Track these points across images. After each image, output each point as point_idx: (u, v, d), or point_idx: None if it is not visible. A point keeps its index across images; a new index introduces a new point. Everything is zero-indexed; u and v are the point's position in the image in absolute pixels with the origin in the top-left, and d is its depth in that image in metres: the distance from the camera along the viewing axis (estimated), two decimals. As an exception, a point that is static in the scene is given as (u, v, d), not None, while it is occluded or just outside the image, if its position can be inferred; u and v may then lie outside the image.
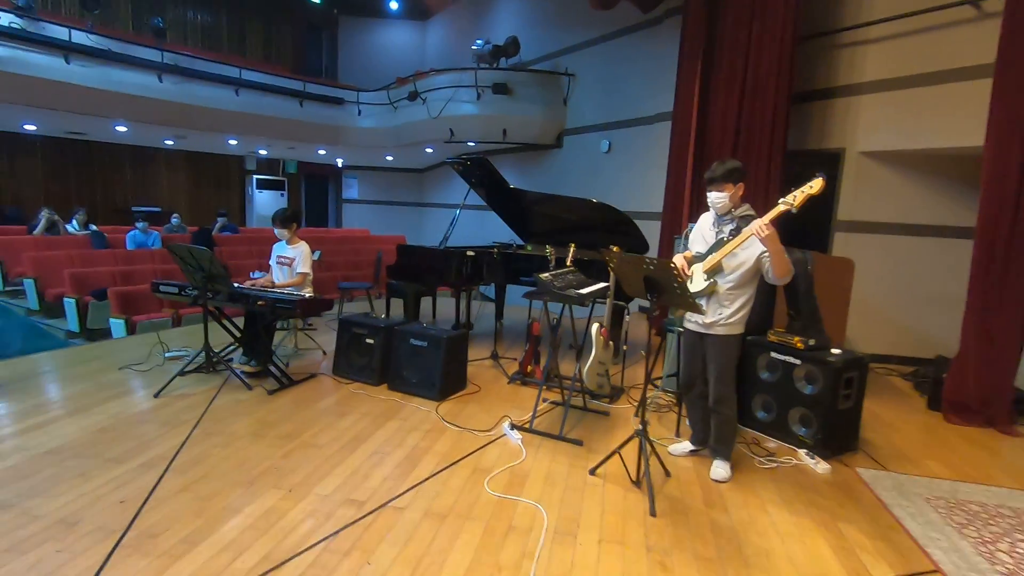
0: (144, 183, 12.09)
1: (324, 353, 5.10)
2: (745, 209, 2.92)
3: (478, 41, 10.34)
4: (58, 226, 8.55)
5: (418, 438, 3.37)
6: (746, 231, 2.68)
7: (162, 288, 4.31)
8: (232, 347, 4.40)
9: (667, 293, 2.67)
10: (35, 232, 8.32)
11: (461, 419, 3.70)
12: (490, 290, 7.39)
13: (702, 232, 3.06)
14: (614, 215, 5.18)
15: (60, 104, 8.21)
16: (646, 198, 7.49)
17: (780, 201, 2.57)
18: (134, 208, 11.56)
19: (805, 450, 3.33)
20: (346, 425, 3.51)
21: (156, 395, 3.84)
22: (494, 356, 4.95)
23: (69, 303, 6.62)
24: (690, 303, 2.60)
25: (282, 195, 14.05)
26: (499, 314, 6.73)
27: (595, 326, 4.12)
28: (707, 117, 6.13)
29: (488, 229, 9.71)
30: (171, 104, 9.11)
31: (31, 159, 10.46)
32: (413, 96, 10.19)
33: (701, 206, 6.45)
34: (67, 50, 7.89)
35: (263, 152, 13.24)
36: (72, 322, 6.67)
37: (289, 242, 4.66)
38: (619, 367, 4.61)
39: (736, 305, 2.89)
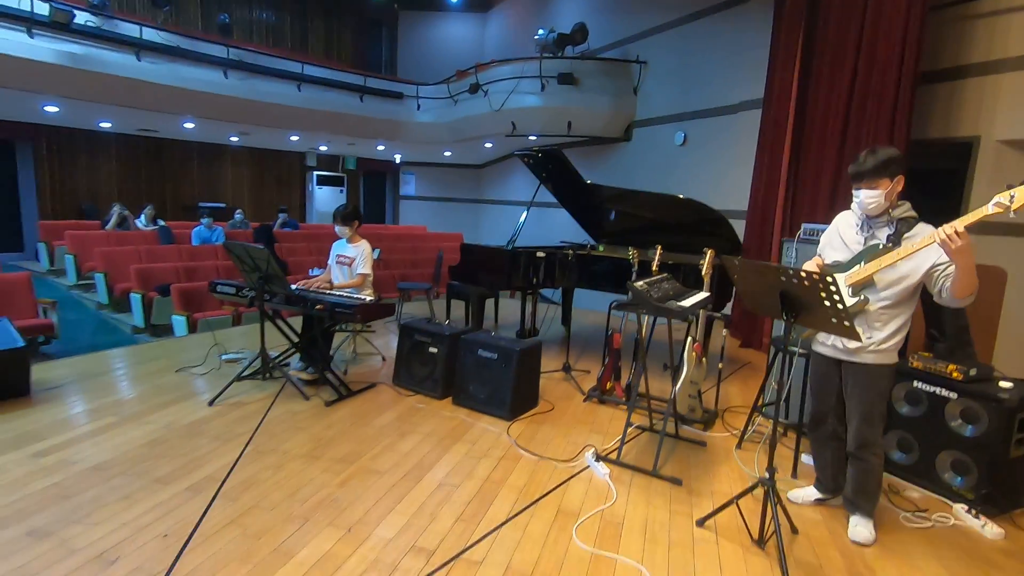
0: (210, 179, 12.33)
1: (384, 359, 4.78)
2: (905, 209, 2.33)
3: (541, 30, 9.87)
4: (128, 221, 8.72)
5: (489, 467, 2.96)
6: (925, 239, 2.09)
7: (219, 288, 4.10)
8: (289, 352, 4.13)
9: (812, 312, 2.13)
10: (107, 227, 8.50)
11: (536, 444, 3.27)
12: (555, 292, 6.95)
13: (842, 236, 2.49)
14: (705, 213, 4.61)
15: (131, 101, 8.34)
16: (727, 196, 6.83)
17: (992, 203, 1.94)
18: (200, 204, 11.79)
19: (963, 505, 2.70)
20: (409, 447, 3.14)
21: (211, 403, 3.61)
22: (566, 368, 4.49)
23: (135, 298, 6.64)
24: (846, 328, 2.05)
25: (341, 191, 14.07)
26: (566, 319, 6.26)
27: (688, 341, 3.60)
28: (806, 103, 5.44)
29: (550, 228, 9.26)
30: (236, 100, 9.13)
31: (106, 156, 10.82)
32: (474, 89, 9.84)
33: (798, 205, 5.80)
34: (138, 47, 7.98)
35: (323, 148, 13.27)
36: (137, 317, 6.69)
37: (350, 240, 4.36)
38: (710, 386, 4.06)
39: (891, 328, 2.31)
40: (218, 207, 12.14)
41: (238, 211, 10.35)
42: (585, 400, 4.04)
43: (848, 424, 2.48)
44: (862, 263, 2.37)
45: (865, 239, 2.40)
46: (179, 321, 6.04)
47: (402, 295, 6.21)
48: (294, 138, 11.66)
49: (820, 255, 2.66)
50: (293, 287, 3.99)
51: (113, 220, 8.51)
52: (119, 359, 4.66)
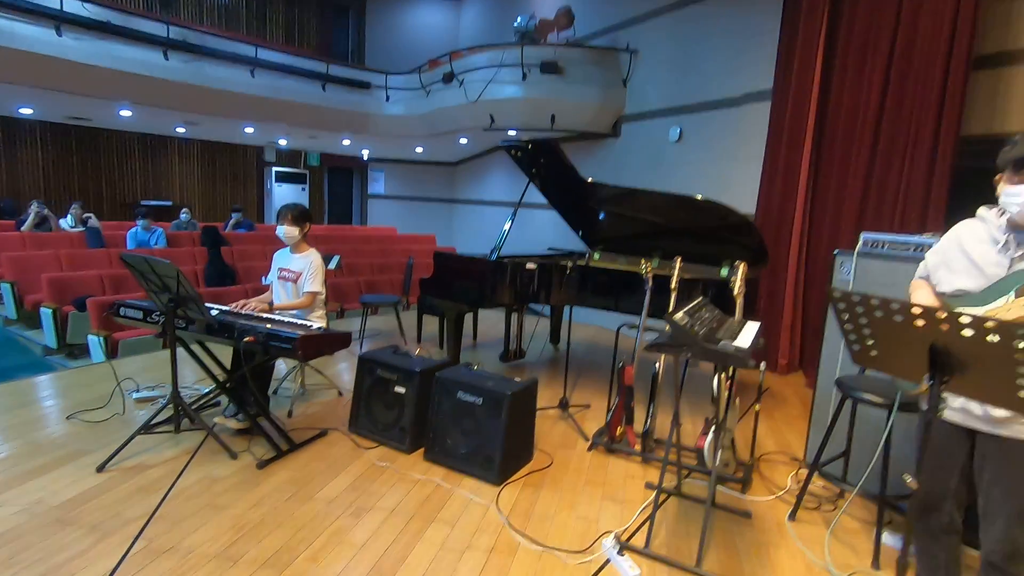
0: (154, 175, 11.16)
1: (340, 394, 3.92)
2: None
3: (520, 17, 9.10)
4: (49, 221, 7.59)
5: (476, 566, 2.15)
6: None
7: (124, 311, 3.18)
8: (214, 394, 3.25)
9: (979, 376, 1.39)
10: (23, 228, 7.37)
11: (536, 523, 2.47)
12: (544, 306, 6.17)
13: (970, 255, 1.77)
14: (727, 217, 3.88)
15: (51, 82, 7.24)
16: (731, 197, 6.07)
17: None
18: (143, 202, 10.63)
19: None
20: (365, 536, 2.31)
21: (100, 468, 2.71)
22: (563, 405, 3.70)
23: (45, 313, 5.60)
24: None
25: (303, 189, 13.03)
26: (555, 336, 5.50)
27: (718, 377, 2.86)
28: (830, 93, 4.79)
29: (531, 232, 8.49)
30: (179, 85, 8.08)
31: (30, 147, 9.58)
32: (449, 78, 8.99)
33: (819, 205, 5.13)
34: (58, 20, 6.89)
35: (283, 142, 12.22)
36: (49, 336, 5.65)
37: (295, 249, 3.50)
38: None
39: (1066, 390, 1.59)
40: (164, 205, 11.01)
41: (183, 210, 9.27)
42: (590, 449, 3.27)
43: (986, 523, 1.75)
44: (1011, 295, 1.65)
45: (1012, 260, 1.69)
46: (95, 343, 5.05)
47: (366, 309, 5.34)
48: (249, 130, 10.61)
49: (928, 279, 1.94)
50: (220, 309, 3.11)
51: (30, 220, 7.38)
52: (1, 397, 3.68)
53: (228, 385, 3.07)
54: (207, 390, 3.62)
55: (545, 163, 4.10)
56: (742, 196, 5.84)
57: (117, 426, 3.20)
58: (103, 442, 2.99)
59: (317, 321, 3.44)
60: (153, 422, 2.97)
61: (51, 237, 7.37)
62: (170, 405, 2.97)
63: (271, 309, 3.33)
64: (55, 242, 7.25)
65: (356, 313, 7.14)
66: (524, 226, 10.88)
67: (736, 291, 2.92)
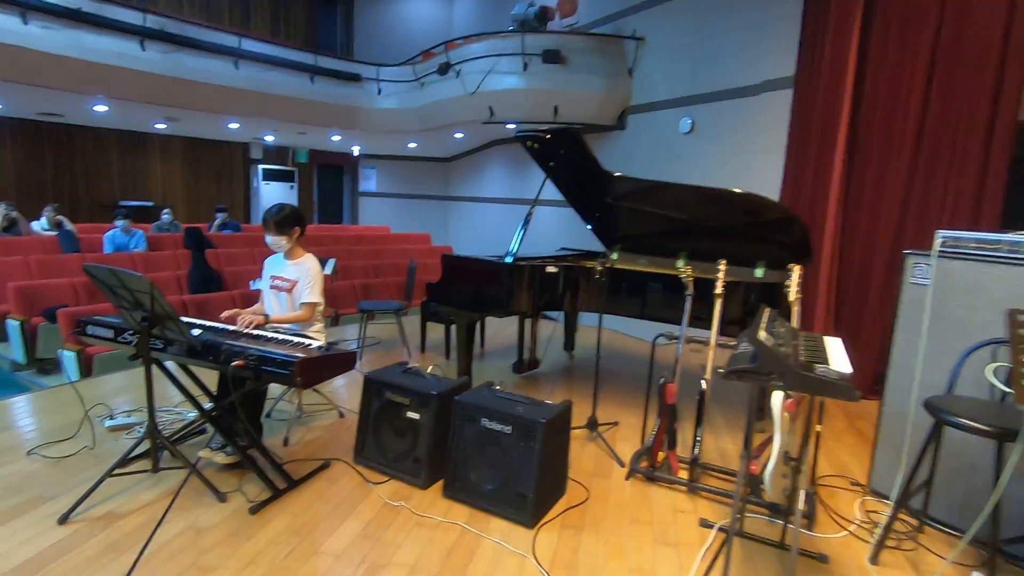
0: (134, 174, 10.59)
1: (342, 415, 3.51)
2: None
3: (519, 4, 8.68)
4: (19, 224, 7.07)
5: (522, 645, 1.77)
6: None
7: (90, 329, 2.75)
8: (198, 423, 2.83)
9: None
10: (-10, 232, 6.86)
11: (581, 574, 2.10)
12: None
13: None
14: (768, 212, 3.53)
15: (19, 75, 6.71)
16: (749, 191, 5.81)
17: None
18: (121, 203, 10.09)
19: None
20: (383, 604, 1.92)
21: (62, 520, 2.29)
22: (592, 425, 3.33)
23: (12, 325, 5.13)
24: None
25: (292, 187, 12.52)
26: (570, 343, 5.12)
27: (777, 398, 2.50)
28: (865, 79, 4.44)
29: (536, 230, 8.11)
30: (156, 78, 7.57)
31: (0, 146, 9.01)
32: (444, 69, 8.56)
33: (854, 203, 4.75)
34: (24, 7, 6.37)
35: (270, 139, 11.71)
36: (17, 350, 5.18)
37: (288, 255, 3.08)
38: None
39: None
40: (145, 206, 10.46)
41: (165, 211, 8.77)
42: (628, 477, 2.89)
43: None
44: None
45: None
46: (69, 358, 4.59)
47: (365, 316, 4.93)
48: (234, 126, 10.10)
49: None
50: (204, 326, 2.69)
51: (-2, 223, 6.87)
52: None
53: (214, 414, 2.66)
54: (191, 414, 3.21)
55: (565, 155, 3.72)
56: (761, 191, 5.45)
57: (86, 462, 2.78)
58: (68, 484, 2.57)
59: (316, 336, 3.04)
60: (128, 457, 2.55)
61: (21, 242, 6.85)
62: (144, 441, 2.55)
63: (266, 322, 2.91)
64: (25, 247, 6.74)
65: (351, 319, 6.72)
66: (512, 224, 10.49)
67: (792, 297, 2.56)
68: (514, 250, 3.66)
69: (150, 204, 10.59)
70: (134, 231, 7.53)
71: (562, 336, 5.17)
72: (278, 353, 2.33)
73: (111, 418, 3.24)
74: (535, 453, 2.40)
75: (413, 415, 2.73)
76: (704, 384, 2.84)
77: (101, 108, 8.46)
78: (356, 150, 12.87)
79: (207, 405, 2.81)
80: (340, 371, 2.51)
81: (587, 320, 4.98)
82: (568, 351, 5.06)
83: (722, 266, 2.96)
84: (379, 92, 9.88)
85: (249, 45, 8.51)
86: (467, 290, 3.78)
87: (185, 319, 2.84)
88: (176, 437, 2.81)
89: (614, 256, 4.66)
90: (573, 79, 7.74)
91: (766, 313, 2.19)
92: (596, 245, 4.78)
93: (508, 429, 2.47)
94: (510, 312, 3.67)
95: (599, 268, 3.18)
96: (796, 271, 2.62)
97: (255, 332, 2.72)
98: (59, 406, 3.51)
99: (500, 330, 5.85)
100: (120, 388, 3.91)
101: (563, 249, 4.95)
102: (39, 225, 7.42)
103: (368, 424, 2.87)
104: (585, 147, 3.59)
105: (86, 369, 4.56)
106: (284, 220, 2.96)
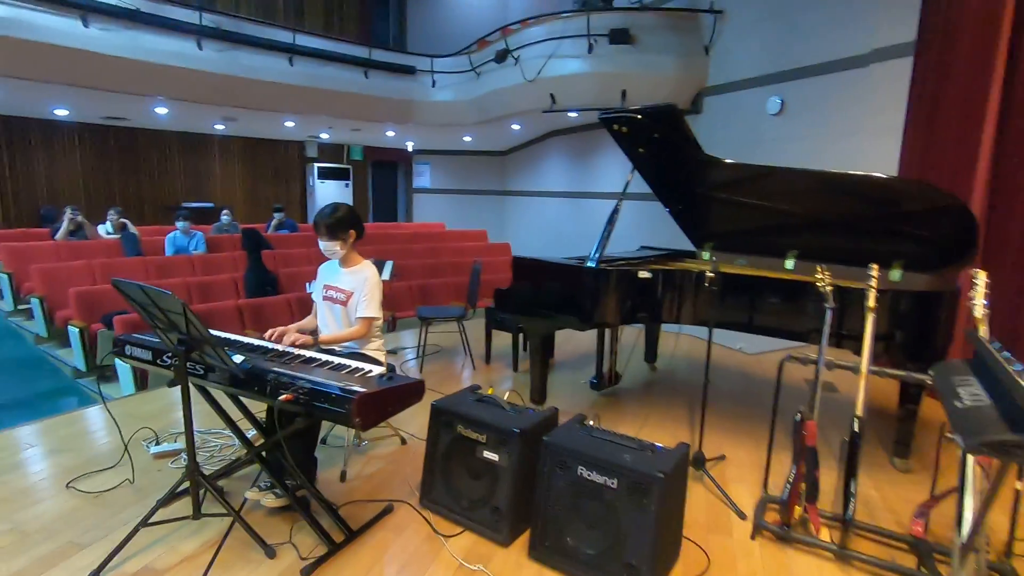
0: (196, 175, 10.70)
1: (404, 442, 3.11)
2: None
3: (581, -17, 8.10)
4: (84, 228, 7.12)
5: None
6: None
7: (129, 350, 2.43)
8: (242, 460, 2.47)
9: None
10: (57, 236, 6.92)
11: None
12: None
13: None
14: (927, 200, 2.86)
15: (80, 78, 6.72)
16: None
17: None
18: (184, 204, 10.19)
19: None
20: None
21: (95, 574, 1.96)
22: (698, 463, 2.77)
23: (73, 332, 5.04)
24: None
25: (346, 185, 12.41)
26: (652, 354, 4.56)
27: (967, 458, 1.88)
28: (1020, 47, 3.62)
29: (591, 227, 7.57)
30: (214, 76, 7.47)
31: (68, 151, 9.22)
32: (502, 56, 8.08)
33: (1008, 190, 3.91)
34: (84, 10, 6.34)
35: (325, 136, 11.61)
36: (78, 356, 5.09)
37: (344, 262, 2.68)
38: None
39: None
40: (206, 207, 10.55)
41: (224, 212, 8.72)
42: (754, 536, 2.33)
43: None
44: None
45: None
46: (124, 370, 4.42)
47: (425, 324, 4.53)
48: (289, 124, 10.01)
49: None
50: (249, 345, 2.32)
51: (64, 227, 6.91)
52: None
53: (260, 451, 2.28)
54: (237, 447, 2.87)
55: (659, 138, 3.15)
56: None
57: (126, 499, 2.47)
58: (105, 526, 2.26)
59: (375, 354, 2.63)
60: (166, 499, 2.21)
61: (86, 246, 6.89)
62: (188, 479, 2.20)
63: (316, 341, 2.52)
64: (89, 251, 6.76)
65: (407, 323, 6.37)
66: (582, 220, 10.00)
67: (978, 313, 1.93)
68: (597, 252, 3.13)
69: (210, 205, 10.67)
70: (194, 233, 7.46)
71: (642, 345, 4.61)
72: (333, 386, 1.91)
73: (156, 443, 2.95)
74: (650, 515, 1.89)
75: (490, 455, 2.26)
76: (856, 424, 2.23)
77: (162, 110, 8.48)
78: (410, 145, 12.63)
79: (251, 432, 2.46)
80: (405, 405, 2.07)
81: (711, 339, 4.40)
82: (650, 363, 4.50)
83: (874, 272, 2.36)
84: (433, 84, 9.53)
85: (303, 40, 8.32)
86: (543, 297, 3.29)
87: (227, 335, 2.49)
88: (220, 473, 2.47)
89: (704, 256, 4.07)
90: (643, 60, 7.11)
91: (984, 336, 1.59)
92: (680, 243, 4.20)
93: (613, 482, 1.96)
94: (594, 324, 3.16)
95: (710, 273, 2.62)
96: (981, 277, 2.00)
97: (307, 353, 2.32)
98: (109, 424, 3.27)
99: (569, 337, 5.33)
100: (175, 403, 3.66)
101: (644, 248, 4.39)
102: (104, 229, 7.47)
103: (436, 461, 2.43)
104: (686, 127, 3.02)
105: (141, 381, 4.38)
106: (338, 223, 2.55)
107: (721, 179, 3.39)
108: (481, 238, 11.13)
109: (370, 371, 2.14)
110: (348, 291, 2.60)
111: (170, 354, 2.24)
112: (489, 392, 2.59)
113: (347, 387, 1.89)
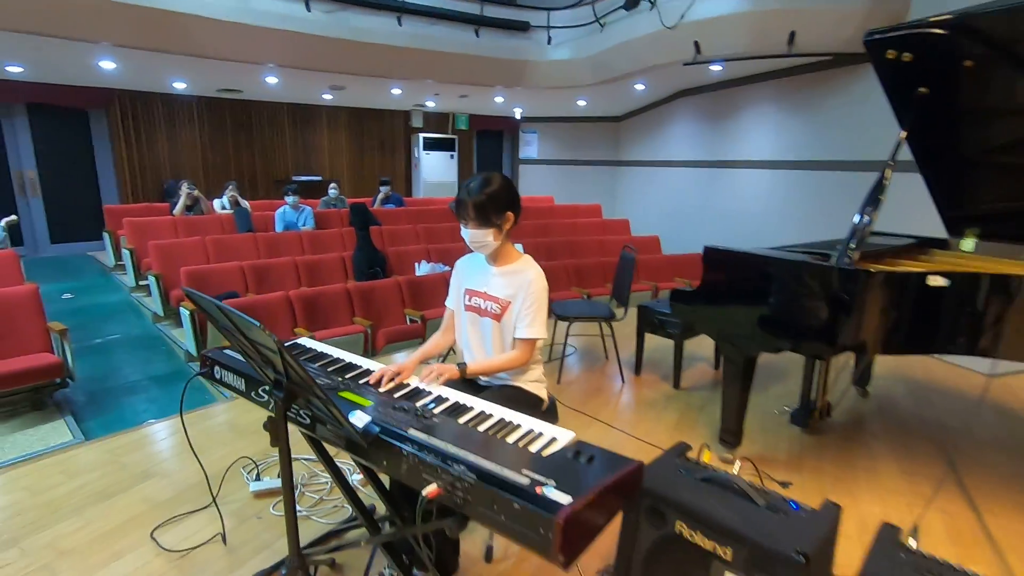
0: (305, 147, 10.56)
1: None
2: None
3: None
4: (200, 203, 7.01)
5: None
6: None
7: (217, 372, 1.81)
8: (361, 542, 1.79)
9: None
10: (175, 211, 6.85)
11: None
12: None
13: None
14: None
15: (190, 47, 6.48)
16: None
17: None
18: (294, 177, 10.09)
19: None
20: None
21: None
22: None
23: (184, 314, 4.77)
24: None
25: (452, 156, 11.83)
26: (865, 376, 3.45)
27: None
28: None
29: (716, 205, 6.34)
30: (322, 40, 7.02)
31: (189, 124, 9.30)
32: (634, 2, 6.93)
33: None
34: (193, -28, 6.03)
35: (431, 104, 11.03)
36: (190, 340, 4.83)
37: (495, 258, 1.87)
38: None
39: None
40: (314, 180, 10.41)
41: (332, 185, 8.42)
42: None
43: None
44: None
45: None
46: (230, 358, 4.02)
47: (567, 325, 3.71)
48: (396, 91, 9.49)
49: None
50: (372, 390, 1.60)
51: (181, 202, 6.83)
52: (68, 476, 2.58)
53: (389, 539, 1.58)
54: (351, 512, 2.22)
55: (952, 73, 2.04)
56: None
57: (215, 565, 1.89)
58: (188, 613, 1.67)
59: (534, 389, 1.85)
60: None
61: (201, 221, 6.77)
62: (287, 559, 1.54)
63: (462, 375, 1.76)
64: (205, 226, 6.63)
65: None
66: (715, 194, 8.64)
67: None
68: (855, 245, 2.11)
69: (318, 178, 10.52)
70: (303, 207, 7.16)
71: (851, 365, 3.51)
72: (519, 483, 1.12)
73: (257, 476, 2.38)
74: None
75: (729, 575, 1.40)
76: None
77: (272, 79, 8.23)
78: (518, 112, 11.77)
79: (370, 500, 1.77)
80: (615, 512, 1.25)
81: None
82: (861, 387, 3.39)
83: None
84: (549, 41, 8.54)
85: (412, -4, 7.66)
86: (753, 307, 2.33)
87: (340, 355, 1.81)
88: (331, 547, 1.81)
89: (965, 245, 2.88)
90: (819, -8, 5.68)
91: None
92: (902, 225, 3.04)
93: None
94: (841, 348, 2.16)
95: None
96: None
97: (452, 395, 1.57)
98: (210, 435, 2.78)
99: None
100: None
101: (818, 243, 3.24)
102: (219, 203, 7.36)
103: (633, 563, 1.61)
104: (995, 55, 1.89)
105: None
106: (492, 201, 1.74)
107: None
108: (595, 213, 10.15)
109: (553, 439, 1.34)
110: (504, 300, 1.81)
111: (265, 388, 1.59)
112: (706, 457, 1.72)
113: (543, 491, 1.10)
